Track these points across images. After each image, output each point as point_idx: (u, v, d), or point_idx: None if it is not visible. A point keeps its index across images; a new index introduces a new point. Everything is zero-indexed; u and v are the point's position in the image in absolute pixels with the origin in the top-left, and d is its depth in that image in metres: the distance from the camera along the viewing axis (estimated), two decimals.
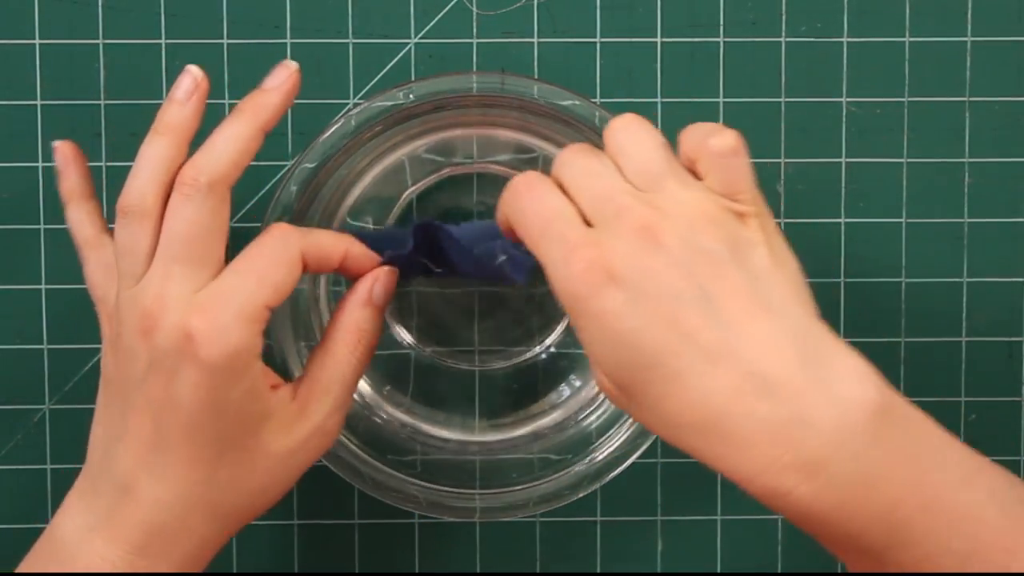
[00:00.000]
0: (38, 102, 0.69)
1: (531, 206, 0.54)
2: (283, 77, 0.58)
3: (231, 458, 0.57)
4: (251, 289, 0.56)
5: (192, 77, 0.58)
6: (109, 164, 0.69)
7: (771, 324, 0.51)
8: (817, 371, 0.50)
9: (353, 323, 0.59)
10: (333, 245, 0.59)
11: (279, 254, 0.57)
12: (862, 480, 0.50)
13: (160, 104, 0.68)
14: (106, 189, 0.69)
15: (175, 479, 0.56)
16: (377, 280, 0.60)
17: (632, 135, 0.55)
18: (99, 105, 0.69)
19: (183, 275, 0.56)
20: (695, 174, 0.54)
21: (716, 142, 0.53)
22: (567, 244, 0.52)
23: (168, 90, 0.69)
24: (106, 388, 0.59)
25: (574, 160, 0.55)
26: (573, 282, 0.52)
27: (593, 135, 0.63)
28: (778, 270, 0.53)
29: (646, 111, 0.69)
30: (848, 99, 0.70)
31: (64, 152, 0.62)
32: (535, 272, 0.58)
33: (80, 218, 0.62)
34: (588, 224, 0.53)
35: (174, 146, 0.57)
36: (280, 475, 0.58)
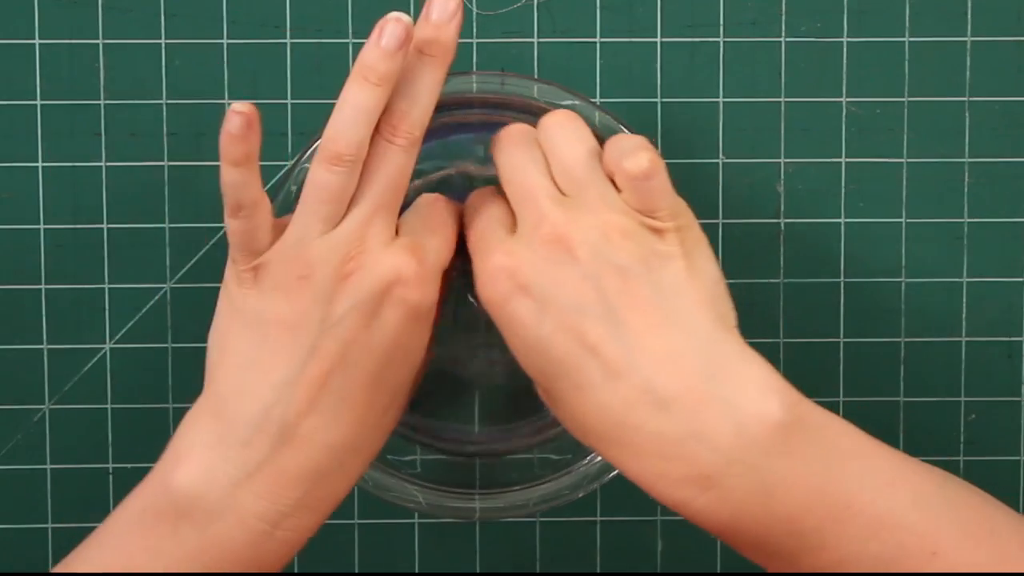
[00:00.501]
0: (38, 102, 0.69)
1: (477, 209, 0.58)
2: (451, 8, 0.56)
3: (397, 404, 0.58)
4: (442, 244, 0.58)
5: (402, 25, 0.55)
6: (109, 164, 0.69)
7: (674, 339, 0.52)
8: (716, 386, 0.52)
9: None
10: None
11: (454, 217, 0.59)
12: (760, 491, 0.51)
13: (161, 104, 0.68)
14: (106, 189, 0.69)
15: (349, 423, 0.55)
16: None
17: (564, 135, 0.56)
18: (99, 105, 0.69)
19: (385, 221, 0.56)
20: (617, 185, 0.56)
21: (630, 164, 0.54)
22: (487, 249, 0.55)
23: (168, 90, 0.69)
24: (261, 330, 0.56)
25: (508, 148, 0.57)
26: (487, 288, 0.55)
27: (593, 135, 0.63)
28: (692, 283, 0.54)
29: (646, 111, 0.69)
30: (848, 99, 0.70)
31: (249, 117, 0.55)
32: None
33: (250, 180, 0.56)
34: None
35: (383, 96, 0.55)
36: (400, 418, 0.60)
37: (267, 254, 0.57)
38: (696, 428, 0.51)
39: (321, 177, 0.56)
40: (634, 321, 0.52)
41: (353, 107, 0.55)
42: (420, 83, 0.56)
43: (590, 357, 0.52)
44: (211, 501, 0.54)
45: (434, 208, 0.59)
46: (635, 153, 0.54)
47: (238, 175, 0.56)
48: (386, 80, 0.55)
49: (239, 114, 0.55)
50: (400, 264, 0.55)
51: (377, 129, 0.56)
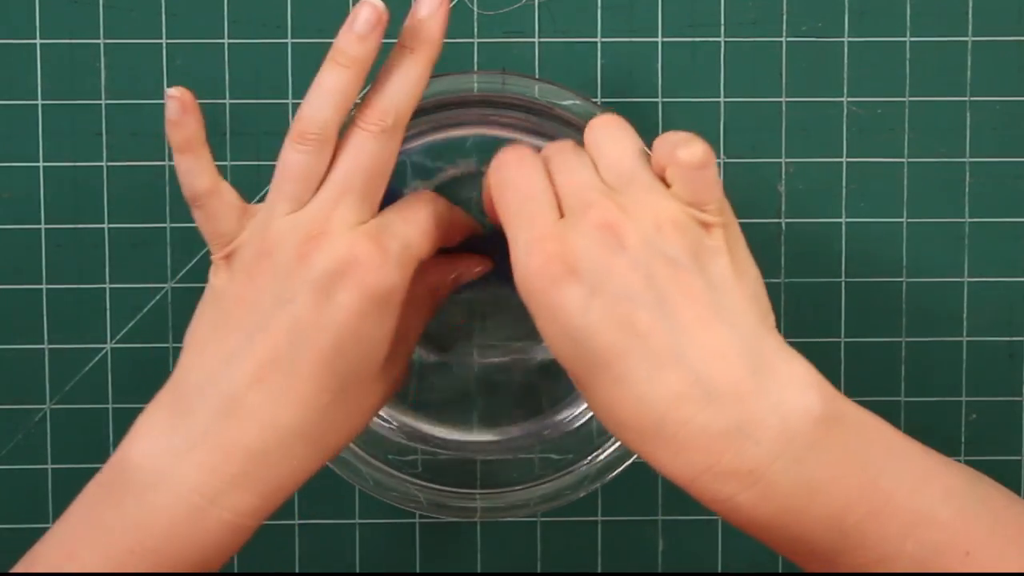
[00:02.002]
0: (38, 102, 0.69)
1: (514, 180, 0.55)
2: (435, 4, 0.57)
3: (352, 392, 0.56)
4: (415, 234, 0.57)
5: (375, 10, 0.56)
6: (109, 164, 0.69)
7: (722, 333, 0.52)
8: (762, 380, 0.51)
9: (431, 284, 0.62)
10: (465, 220, 0.62)
11: (440, 213, 0.59)
12: (805, 487, 0.51)
13: (161, 104, 0.68)
14: (107, 189, 0.69)
15: (295, 403, 0.55)
16: (469, 270, 0.63)
17: (610, 134, 0.56)
18: (99, 105, 0.69)
19: (352, 206, 0.56)
20: (665, 181, 0.55)
21: (684, 154, 0.53)
22: (533, 230, 0.53)
23: (168, 89, 0.69)
24: (222, 309, 0.57)
25: (557, 154, 0.57)
26: (533, 272, 0.53)
27: None
28: (737, 280, 0.53)
29: (646, 111, 0.69)
30: (848, 99, 0.70)
31: (182, 100, 0.57)
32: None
33: (200, 166, 0.58)
34: (562, 215, 0.54)
35: (354, 79, 0.56)
36: (370, 417, 0.59)
37: (238, 239, 0.57)
38: (742, 422, 0.51)
39: (288, 156, 0.57)
40: (684, 312, 0.51)
41: (320, 87, 0.56)
42: (397, 74, 0.57)
43: (638, 346, 0.51)
44: (151, 471, 0.54)
45: (415, 200, 0.59)
46: (689, 143, 0.54)
47: (185, 162, 0.57)
48: (356, 63, 0.56)
49: (173, 98, 0.57)
50: (358, 246, 0.55)
51: (353, 118, 0.57)
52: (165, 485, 0.54)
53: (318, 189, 0.57)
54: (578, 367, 0.53)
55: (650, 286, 0.51)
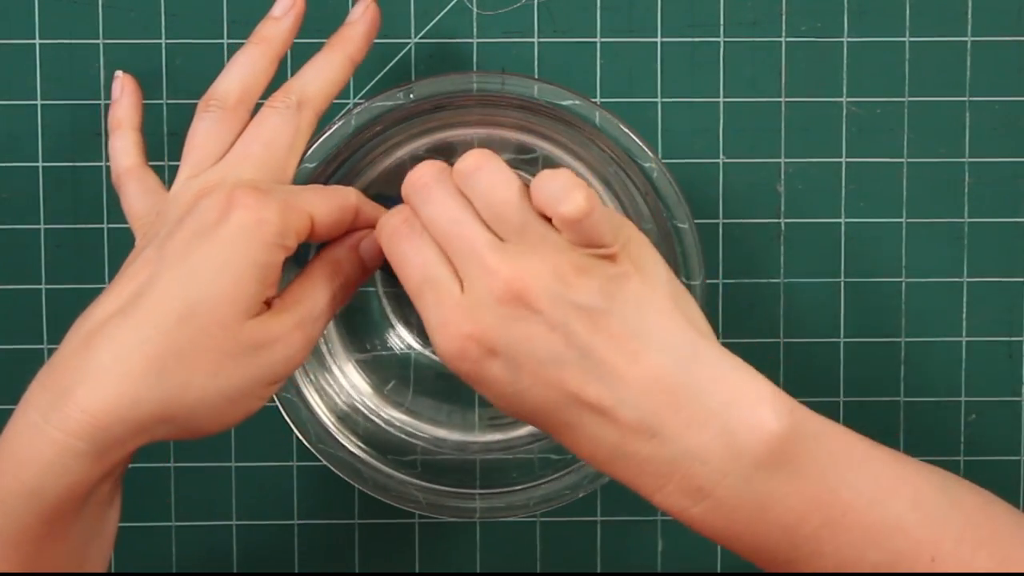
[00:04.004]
0: (38, 102, 0.69)
1: (407, 257, 0.55)
2: (361, 11, 0.63)
3: (214, 333, 0.54)
4: (305, 199, 0.57)
5: None
6: (109, 164, 0.69)
7: (653, 364, 0.52)
8: (705, 401, 0.52)
9: (334, 257, 0.60)
10: (378, 214, 0.61)
11: (339, 193, 0.59)
12: (755, 502, 0.51)
13: (161, 104, 0.68)
14: (106, 189, 0.69)
15: (140, 323, 0.54)
16: (371, 235, 0.61)
17: (488, 180, 0.54)
18: (99, 105, 0.69)
19: (252, 170, 0.59)
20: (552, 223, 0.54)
21: (568, 209, 0.52)
22: (441, 312, 0.54)
23: (168, 90, 0.69)
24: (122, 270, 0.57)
25: (430, 196, 0.55)
26: (452, 355, 0.54)
27: (593, 135, 0.63)
28: (654, 297, 0.53)
29: (646, 111, 0.69)
30: (848, 99, 0.70)
31: (123, 81, 0.64)
32: None
33: (125, 146, 0.62)
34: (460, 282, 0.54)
35: (264, 56, 0.61)
36: (234, 376, 0.55)
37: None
38: (687, 447, 0.52)
39: (193, 125, 0.61)
40: (611, 357, 0.52)
41: (230, 63, 0.61)
42: (310, 63, 0.62)
43: (573, 404, 0.53)
44: (20, 403, 0.55)
45: (323, 186, 0.60)
46: (569, 195, 0.52)
47: (114, 140, 0.62)
48: (265, 40, 0.62)
49: (116, 79, 0.63)
50: (239, 189, 0.56)
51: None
52: (19, 409, 0.54)
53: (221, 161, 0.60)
54: (526, 419, 0.55)
55: (569, 344, 0.52)
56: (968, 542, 0.52)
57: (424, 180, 0.55)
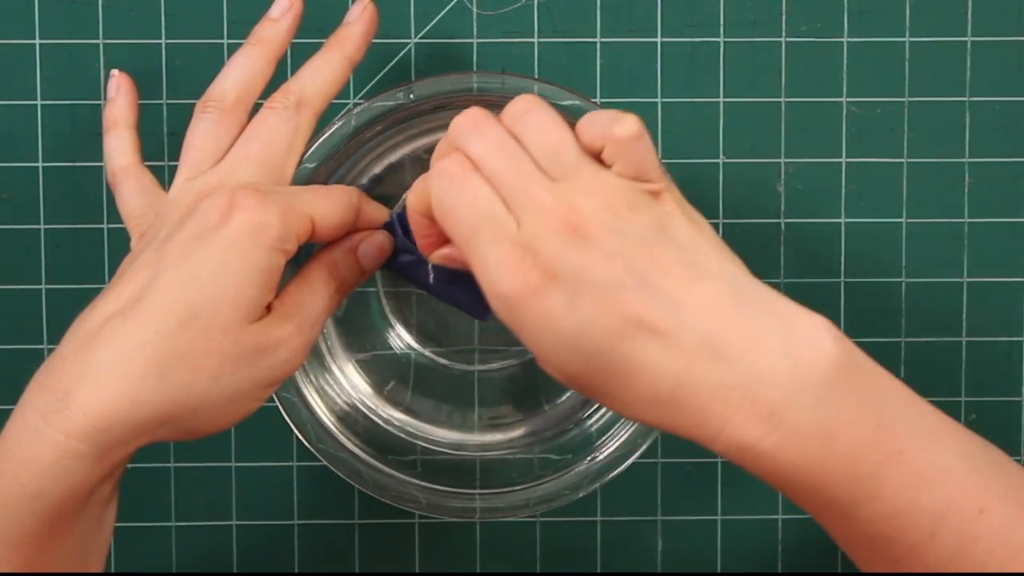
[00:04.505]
0: (38, 102, 0.69)
1: (459, 203, 0.53)
2: (359, 11, 0.63)
3: (215, 335, 0.54)
4: (306, 201, 0.57)
5: (289, 1, 0.63)
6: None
7: (710, 290, 0.52)
8: (766, 326, 0.51)
9: (332, 260, 0.60)
10: (379, 214, 0.61)
11: (340, 193, 0.59)
12: (823, 429, 0.50)
13: (161, 104, 0.68)
14: (106, 189, 0.69)
15: (140, 327, 0.54)
16: (369, 238, 0.60)
17: (537, 122, 0.54)
18: (99, 105, 0.69)
19: (251, 172, 0.59)
20: (601, 160, 0.54)
21: (621, 130, 0.53)
22: (500, 249, 0.52)
23: (168, 90, 0.69)
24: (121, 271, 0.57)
25: (482, 134, 0.54)
26: (511, 289, 0.52)
27: None
28: (701, 235, 0.53)
29: (646, 111, 0.69)
30: (848, 99, 0.70)
31: (118, 80, 0.64)
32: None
33: (120, 145, 0.62)
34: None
35: (262, 57, 0.62)
36: (235, 379, 0.55)
37: (149, 222, 0.60)
38: (754, 369, 0.50)
39: (191, 126, 0.61)
40: (669, 284, 0.51)
41: (228, 64, 0.62)
42: (308, 65, 0.62)
43: (637, 329, 0.51)
44: (17, 405, 0.55)
45: (324, 186, 0.60)
46: (620, 119, 0.53)
47: (109, 140, 0.62)
48: (262, 42, 0.62)
49: (112, 78, 0.63)
50: (240, 191, 0.56)
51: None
52: (17, 410, 0.54)
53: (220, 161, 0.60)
54: (580, 367, 0.53)
55: (628, 270, 0.51)
56: (1012, 500, 0.52)
57: (476, 119, 0.54)
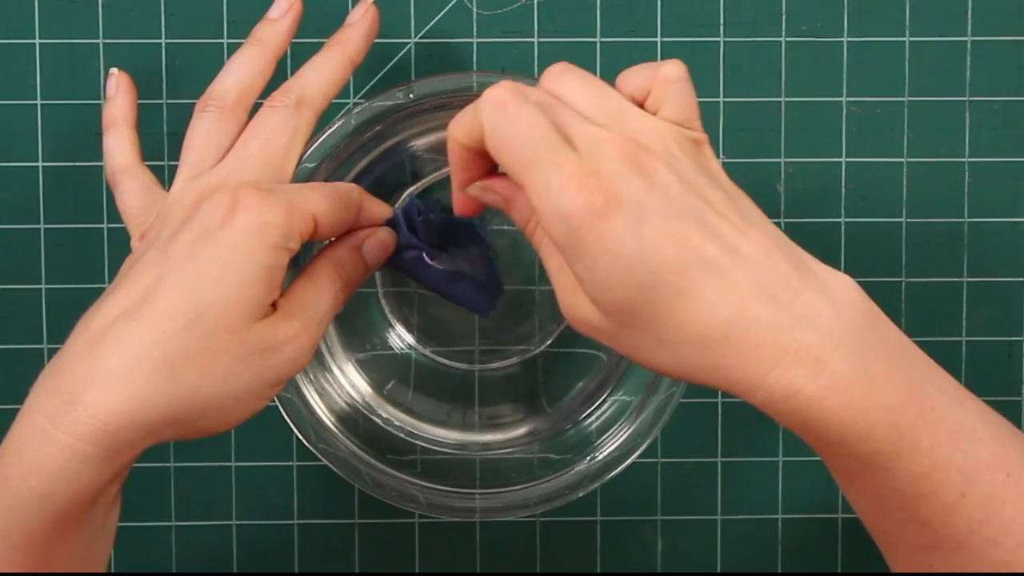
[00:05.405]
0: (38, 102, 0.69)
1: (517, 130, 0.53)
2: (361, 12, 0.64)
3: (222, 334, 0.54)
4: (308, 199, 0.57)
5: (288, 1, 0.63)
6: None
7: (760, 236, 0.52)
8: (807, 276, 0.52)
9: (337, 258, 0.60)
10: (381, 211, 0.61)
11: (342, 191, 0.59)
12: (863, 378, 0.51)
13: (161, 104, 0.68)
14: (106, 189, 0.69)
15: (146, 328, 0.54)
16: (373, 235, 0.60)
17: (577, 78, 0.55)
18: (99, 105, 0.69)
19: (253, 171, 0.59)
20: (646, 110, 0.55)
21: (668, 71, 0.54)
22: (563, 171, 0.51)
23: (168, 90, 0.69)
24: (123, 273, 0.58)
25: (539, 100, 0.54)
26: (576, 210, 0.51)
27: None
28: (740, 191, 0.54)
29: None
30: (848, 99, 0.70)
31: (117, 79, 0.63)
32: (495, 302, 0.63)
33: (120, 144, 0.62)
34: None
35: (262, 57, 0.62)
36: (242, 379, 0.55)
37: (150, 222, 0.60)
38: (801, 313, 0.51)
39: (191, 125, 0.61)
40: (720, 223, 0.51)
41: (228, 64, 0.62)
42: (308, 64, 0.62)
43: (696, 258, 0.51)
44: (22, 407, 0.55)
45: (327, 183, 0.60)
46: (664, 64, 0.54)
47: (108, 139, 0.62)
48: (262, 42, 0.62)
49: (111, 76, 0.63)
50: (242, 190, 0.55)
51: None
52: (24, 413, 0.54)
53: (222, 160, 0.60)
54: (628, 296, 0.51)
55: (687, 202, 0.51)
56: None
57: (511, 86, 0.54)
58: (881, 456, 0.51)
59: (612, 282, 0.51)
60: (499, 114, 0.53)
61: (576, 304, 0.53)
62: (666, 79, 0.54)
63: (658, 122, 0.54)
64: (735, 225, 0.52)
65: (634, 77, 0.55)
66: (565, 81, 0.55)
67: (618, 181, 0.51)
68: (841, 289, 0.52)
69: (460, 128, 0.55)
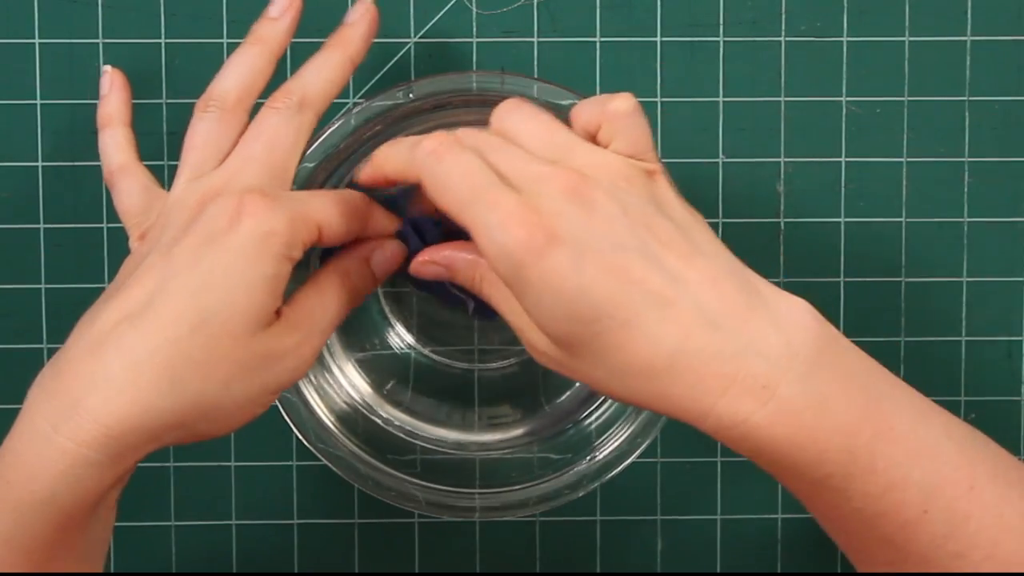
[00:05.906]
0: (38, 102, 0.69)
1: (455, 170, 0.53)
2: (361, 11, 0.63)
3: (225, 341, 0.54)
4: (314, 208, 0.57)
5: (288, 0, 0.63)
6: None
7: (707, 265, 0.52)
8: (756, 303, 0.52)
9: (344, 268, 0.59)
10: (388, 221, 0.61)
11: (347, 199, 0.59)
12: (814, 403, 0.51)
13: (161, 103, 0.68)
14: (105, 189, 0.69)
15: (149, 332, 0.53)
16: (381, 246, 0.60)
17: (525, 115, 0.55)
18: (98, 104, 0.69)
19: (255, 174, 0.59)
20: (596, 143, 0.55)
21: (618, 105, 0.54)
22: (502, 209, 0.51)
23: (168, 90, 0.69)
24: (124, 275, 0.57)
25: (481, 142, 0.54)
26: (515, 247, 0.51)
27: None
28: (693, 217, 0.54)
29: (646, 111, 0.69)
30: (848, 99, 0.70)
31: (111, 76, 0.63)
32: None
33: (116, 143, 0.62)
34: None
35: (262, 56, 0.61)
36: (245, 385, 0.55)
37: (149, 221, 0.59)
38: (748, 340, 0.51)
39: (191, 126, 0.60)
40: (667, 254, 0.52)
41: (228, 63, 0.61)
42: (309, 64, 0.61)
43: (638, 291, 0.51)
44: (22, 410, 0.54)
45: (332, 190, 0.60)
46: (615, 96, 0.54)
47: (104, 137, 0.62)
48: (262, 41, 0.61)
49: (105, 74, 0.63)
50: (247, 195, 0.55)
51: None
52: (24, 416, 0.54)
53: (223, 161, 0.60)
54: (573, 329, 0.52)
55: (632, 233, 0.51)
56: (1001, 479, 0.52)
57: (447, 138, 0.54)
58: (834, 479, 0.51)
59: (557, 316, 0.52)
60: (435, 164, 0.53)
61: (530, 337, 0.54)
62: (615, 114, 0.54)
63: (607, 155, 0.54)
64: (681, 254, 0.52)
65: (585, 112, 0.55)
66: (513, 120, 0.55)
67: (558, 217, 0.51)
68: (793, 314, 0.52)
69: (390, 164, 0.57)
